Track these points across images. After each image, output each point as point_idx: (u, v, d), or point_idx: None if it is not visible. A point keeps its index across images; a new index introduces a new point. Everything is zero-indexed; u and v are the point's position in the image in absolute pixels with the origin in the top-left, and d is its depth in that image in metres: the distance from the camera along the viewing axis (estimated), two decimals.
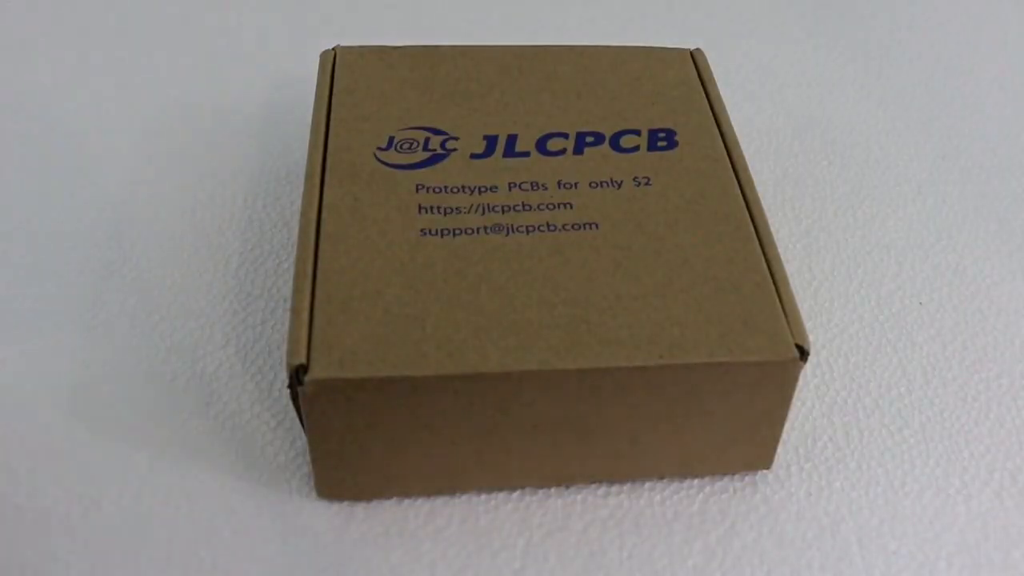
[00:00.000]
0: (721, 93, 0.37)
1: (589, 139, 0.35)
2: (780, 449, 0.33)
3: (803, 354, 0.28)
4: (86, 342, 0.35)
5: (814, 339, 0.37)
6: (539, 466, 0.31)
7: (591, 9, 0.55)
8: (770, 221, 0.32)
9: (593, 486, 0.32)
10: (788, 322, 0.29)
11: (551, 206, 0.32)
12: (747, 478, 0.33)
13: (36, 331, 0.36)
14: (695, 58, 0.39)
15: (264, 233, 0.40)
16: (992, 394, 0.36)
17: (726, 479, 0.33)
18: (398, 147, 0.34)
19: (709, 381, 0.29)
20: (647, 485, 0.32)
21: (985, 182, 0.45)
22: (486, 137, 0.35)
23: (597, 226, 0.32)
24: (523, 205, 0.32)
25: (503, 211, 0.32)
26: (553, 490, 0.32)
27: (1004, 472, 0.34)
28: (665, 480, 0.32)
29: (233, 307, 0.37)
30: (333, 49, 0.38)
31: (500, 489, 0.32)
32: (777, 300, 0.30)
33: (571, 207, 0.32)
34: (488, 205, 0.32)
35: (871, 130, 0.47)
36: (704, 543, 0.31)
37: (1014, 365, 0.37)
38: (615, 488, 0.32)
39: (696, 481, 0.32)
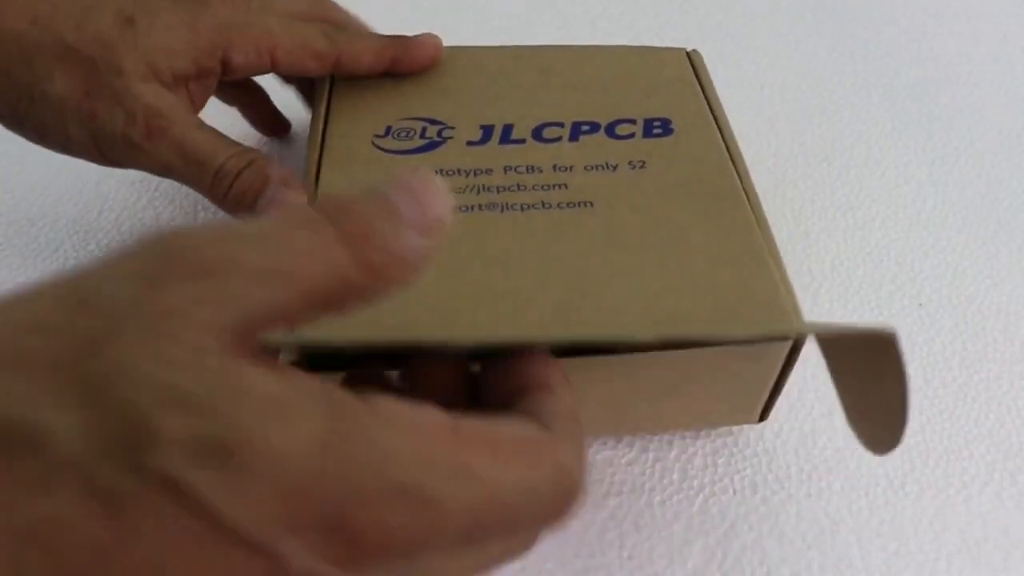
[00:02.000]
0: (721, 95, 0.38)
1: (584, 127, 0.35)
2: (780, 450, 0.34)
3: (799, 332, 0.29)
4: None
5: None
6: None
7: (590, 12, 0.56)
8: (768, 219, 0.32)
9: (593, 486, 0.32)
10: (784, 296, 0.29)
11: (546, 187, 0.33)
12: (747, 479, 0.33)
13: None
14: (691, 57, 0.39)
15: None
16: (992, 394, 0.36)
17: (726, 480, 0.33)
18: (395, 135, 0.35)
19: (707, 353, 0.29)
20: (647, 486, 0.32)
21: (985, 183, 0.45)
22: (482, 126, 0.35)
23: (592, 204, 0.32)
24: (518, 186, 0.33)
25: (498, 191, 0.32)
26: None
27: (1004, 472, 0.34)
28: (665, 481, 0.33)
29: None
30: None
31: None
32: (775, 275, 0.30)
33: (566, 187, 0.33)
34: (483, 186, 0.32)
35: (871, 130, 0.47)
36: (704, 543, 0.31)
37: (1014, 365, 0.37)
38: (615, 488, 0.32)
39: (696, 482, 0.33)
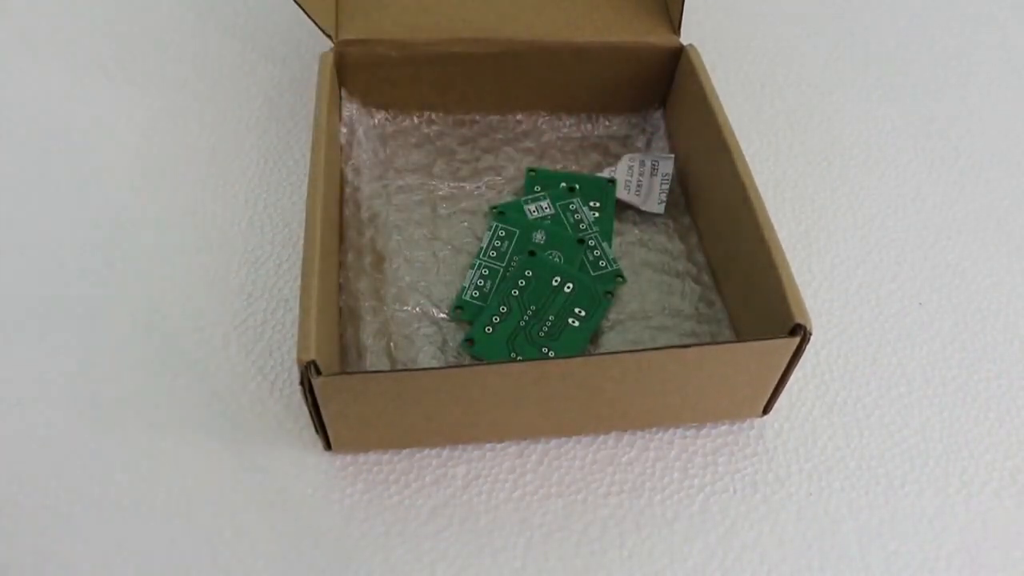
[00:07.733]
0: (721, 94, 0.38)
1: None
2: (780, 449, 0.34)
3: (804, 333, 0.29)
4: (87, 342, 0.35)
5: (814, 339, 0.37)
6: (533, 419, 0.32)
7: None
8: (771, 218, 0.33)
9: (594, 485, 0.32)
10: (788, 300, 0.29)
11: None
12: (748, 478, 0.33)
13: (37, 331, 0.36)
14: (687, 52, 0.40)
15: (265, 234, 0.40)
16: (992, 394, 0.36)
17: (727, 479, 0.33)
18: None
19: (708, 359, 0.29)
20: (647, 485, 0.32)
21: (985, 182, 0.45)
22: None
23: None
24: None
25: None
26: (554, 489, 0.32)
27: (1004, 472, 0.34)
28: (666, 480, 0.32)
29: (234, 307, 0.37)
30: (331, 50, 0.38)
31: (499, 441, 0.33)
32: (778, 278, 0.30)
33: None
34: None
35: (871, 130, 0.47)
36: (704, 543, 0.31)
37: (1014, 365, 0.37)
38: (615, 488, 0.32)
39: (696, 480, 0.33)
